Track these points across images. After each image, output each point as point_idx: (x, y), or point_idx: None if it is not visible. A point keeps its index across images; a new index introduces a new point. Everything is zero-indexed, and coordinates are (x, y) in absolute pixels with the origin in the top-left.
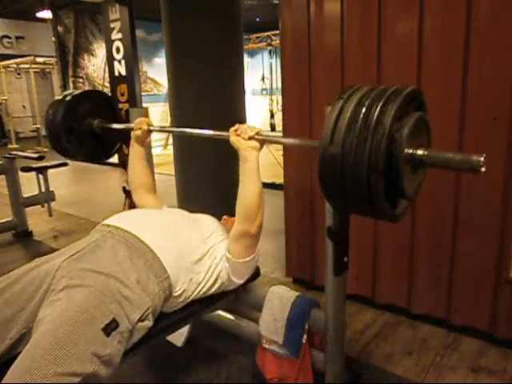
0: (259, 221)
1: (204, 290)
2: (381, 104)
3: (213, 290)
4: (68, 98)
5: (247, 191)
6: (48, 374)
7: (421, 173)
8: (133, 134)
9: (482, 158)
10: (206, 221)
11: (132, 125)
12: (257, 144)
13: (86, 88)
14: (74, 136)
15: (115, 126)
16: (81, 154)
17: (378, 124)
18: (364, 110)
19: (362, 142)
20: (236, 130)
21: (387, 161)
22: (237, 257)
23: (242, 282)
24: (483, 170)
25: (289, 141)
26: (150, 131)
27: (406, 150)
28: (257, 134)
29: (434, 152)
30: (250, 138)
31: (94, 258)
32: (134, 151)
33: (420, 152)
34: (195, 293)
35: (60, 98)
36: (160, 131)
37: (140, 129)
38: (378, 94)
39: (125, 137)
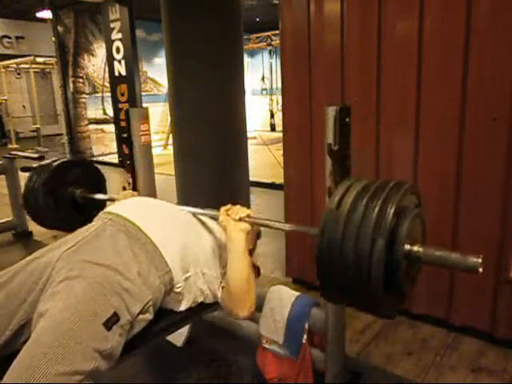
0: (250, 304)
1: (205, 293)
2: (383, 196)
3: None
4: (56, 164)
5: (234, 275)
6: (50, 373)
7: (416, 268)
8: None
9: (480, 260)
10: (208, 232)
11: (116, 196)
12: (246, 226)
13: (86, 88)
14: (53, 200)
15: (98, 196)
16: (56, 218)
17: (378, 220)
18: (366, 198)
19: (364, 234)
20: (227, 210)
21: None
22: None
23: None
24: (481, 270)
25: (284, 226)
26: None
27: (404, 246)
28: (247, 216)
29: (429, 250)
30: (240, 220)
31: (94, 248)
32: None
33: (416, 248)
34: (198, 297)
35: (47, 162)
36: None
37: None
38: (378, 187)
39: (104, 206)
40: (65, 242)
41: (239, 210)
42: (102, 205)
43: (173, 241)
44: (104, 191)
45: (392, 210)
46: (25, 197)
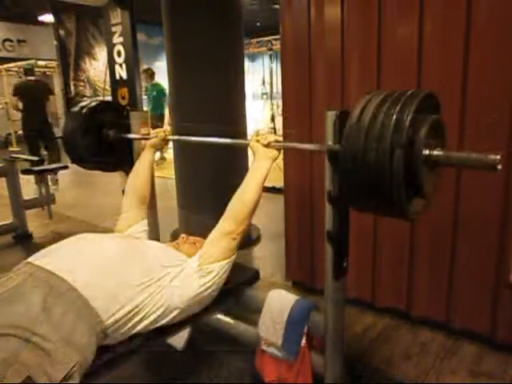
0: (245, 225)
1: (150, 318)
2: (399, 106)
3: (161, 315)
4: (84, 111)
5: (248, 195)
6: None
7: (437, 172)
8: (150, 140)
9: (499, 156)
10: (154, 251)
11: (154, 133)
12: (275, 152)
13: (87, 91)
14: (91, 145)
15: (132, 135)
16: (95, 162)
17: (397, 126)
18: (386, 106)
19: (386, 129)
20: (257, 135)
21: (406, 161)
22: (212, 260)
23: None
24: (500, 167)
25: (304, 146)
26: (167, 140)
27: (423, 151)
28: (275, 141)
29: (449, 152)
30: (268, 144)
31: (10, 309)
32: (144, 157)
33: (436, 152)
34: (141, 325)
35: (77, 109)
36: (177, 140)
37: (157, 137)
38: (397, 96)
39: (138, 149)
40: None
41: (267, 136)
42: (131, 145)
43: (104, 284)
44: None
45: (409, 118)
46: (65, 142)
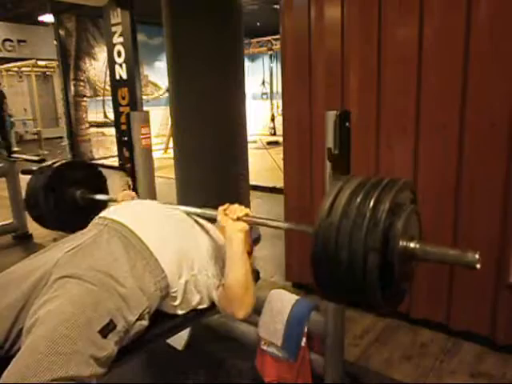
0: (247, 305)
1: (201, 297)
2: (375, 195)
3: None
4: (56, 165)
5: (233, 276)
6: (45, 379)
7: (413, 265)
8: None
9: (477, 256)
10: (202, 236)
11: (115, 197)
12: (244, 225)
13: (87, 91)
14: (54, 201)
15: (99, 197)
16: (57, 219)
17: (372, 215)
18: (359, 200)
19: (358, 230)
20: (225, 210)
21: (382, 251)
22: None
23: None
24: (478, 266)
25: (282, 225)
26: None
27: (400, 243)
28: (246, 215)
29: (426, 246)
30: (238, 219)
31: (91, 254)
32: None
33: (412, 245)
34: (194, 301)
35: (48, 164)
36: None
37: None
38: (373, 185)
39: (105, 206)
40: (61, 247)
41: (237, 209)
42: (103, 205)
43: (168, 246)
44: (105, 192)
45: (384, 213)
46: (27, 198)
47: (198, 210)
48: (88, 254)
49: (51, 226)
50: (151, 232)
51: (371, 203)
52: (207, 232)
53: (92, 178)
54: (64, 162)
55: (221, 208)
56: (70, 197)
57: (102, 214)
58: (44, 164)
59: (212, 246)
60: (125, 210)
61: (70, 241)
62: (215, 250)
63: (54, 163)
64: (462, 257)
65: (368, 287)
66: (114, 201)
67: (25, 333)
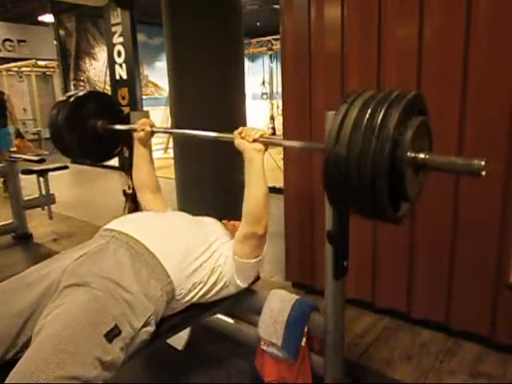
0: (265, 221)
1: (206, 291)
2: (384, 108)
3: (215, 291)
4: (72, 99)
5: (253, 193)
6: (51, 377)
7: (422, 176)
8: (136, 135)
9: (483, 162)
10: (210, 223)
11: (135, 126)
12: (261, 146)
13: None
14: (77, 135)
15: (118, 126)
16: (82, 154)
17: (382, 127)
18: (369, 113)
19: (367, 144)
20: (240, 133)
21: (390, 163)
22: (244, 258)
23: (245, 285)
24: (484, 173)
25: (293, 143)
26: (152, 132)
27: (408, 154)
28: (261, 136)
29: (434, 156)
30: (255, 141)
31: (99, 262)
32: (138, 152)
33: (422, 156)
34: (198, 295)
35: (64, 98)
36: (162, 132)
37: (143, 130)
38: (382, 98)
39: (127, 138)
40: (70, 255)
41: (252, 131)
42: (123, 135)
43: (175, 251)
44: (123, 122)
45: (393, 124)
46: (51, 134)
47: (215, 134)
48: (95, 261)
49: (77, 157)
50: (155, 239)
51: (380, 115)
52: (215, 226)
53: (109, 108)
54: (79, 94)
55: (236, 131)
56: (91, 129)
57: (108, 226)
58: (61, 98)
59: (222, 234)
60: (130, 221)
61: (78, 249)
62: (226, 235)
63: (70, 97)
64: (469, 164)
65: (376, 192)
66: (134, 130)
67: (34, 336)
